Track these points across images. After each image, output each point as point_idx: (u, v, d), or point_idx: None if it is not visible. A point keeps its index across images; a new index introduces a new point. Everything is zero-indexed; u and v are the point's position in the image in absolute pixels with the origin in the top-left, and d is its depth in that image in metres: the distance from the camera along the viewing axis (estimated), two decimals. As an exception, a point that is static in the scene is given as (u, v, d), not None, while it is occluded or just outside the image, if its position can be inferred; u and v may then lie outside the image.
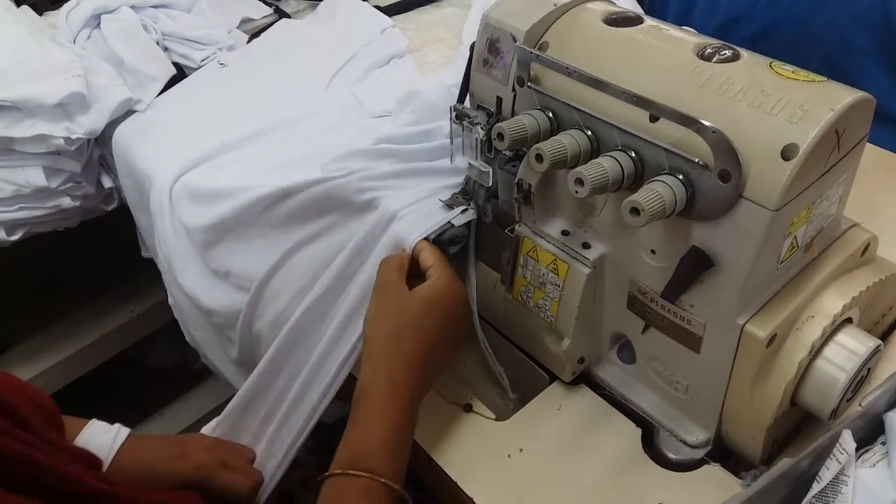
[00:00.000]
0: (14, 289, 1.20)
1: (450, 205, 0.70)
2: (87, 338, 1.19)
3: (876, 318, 0.65)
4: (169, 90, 1.01)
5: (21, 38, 1.00)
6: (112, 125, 0.99)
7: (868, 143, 0.87)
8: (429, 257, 0.64)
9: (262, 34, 1.12)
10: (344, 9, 1.12)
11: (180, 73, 1.04)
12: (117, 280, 1.27)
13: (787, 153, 0.47)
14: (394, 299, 0.61)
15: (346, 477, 0.56)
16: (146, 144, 0.92)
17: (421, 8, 1.32)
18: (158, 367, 1.52)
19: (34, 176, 0.95)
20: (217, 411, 1.46)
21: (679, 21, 1.21)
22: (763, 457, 0.58)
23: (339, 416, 1.21)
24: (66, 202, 0.99)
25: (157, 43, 1.04)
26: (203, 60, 1.05)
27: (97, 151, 1.01)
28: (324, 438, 0.90)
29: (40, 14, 1.16)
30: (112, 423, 0.68)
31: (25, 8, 1.15)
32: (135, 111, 0.99)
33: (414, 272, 0.65)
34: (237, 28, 1.15)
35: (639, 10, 0.68)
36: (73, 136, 0.93)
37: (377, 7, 1.30)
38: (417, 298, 0.61)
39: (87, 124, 0.94)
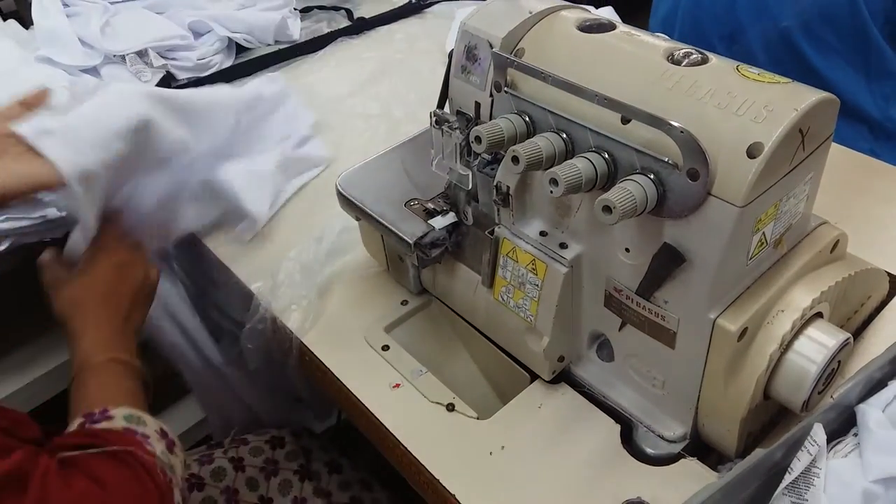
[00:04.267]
0: (-1, 300, 1.20)
1: (431, 209, 0.71)
2: (72, 349, 1.19)
3: (848, 313, 0.67)
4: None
5: (7, 50, 1.01)
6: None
7: (843, 146, 0.90)
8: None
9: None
10: (272, 96, 0.99)
11: (170, 78, 1.07)
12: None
13: (752, 151, 0.49)
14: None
15: (82, 374, 0.64)
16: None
17: (405, 19, 1.34)
18: (144, 379, 1.52)
19: (20, 186, 0.96)
20: (202, 424, 1.47)
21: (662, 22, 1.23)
22: (739, 450, 0.60)
23: (326, 427, 1.22)
24: (53, 212, 1.00)
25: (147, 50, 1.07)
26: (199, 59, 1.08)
27: (84, 162, 1.02)
28: (305, 445, 0.91)
29: (26, 28, 1.17)
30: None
31: (12, 21, 1.16)
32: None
33: None
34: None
35: (615, 18, 0.70)
36: (60, 147, 0.94)
37: (362, 18, 1.32)
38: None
39: (73, 135, 0.95)
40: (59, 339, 1.19)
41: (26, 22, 1.17)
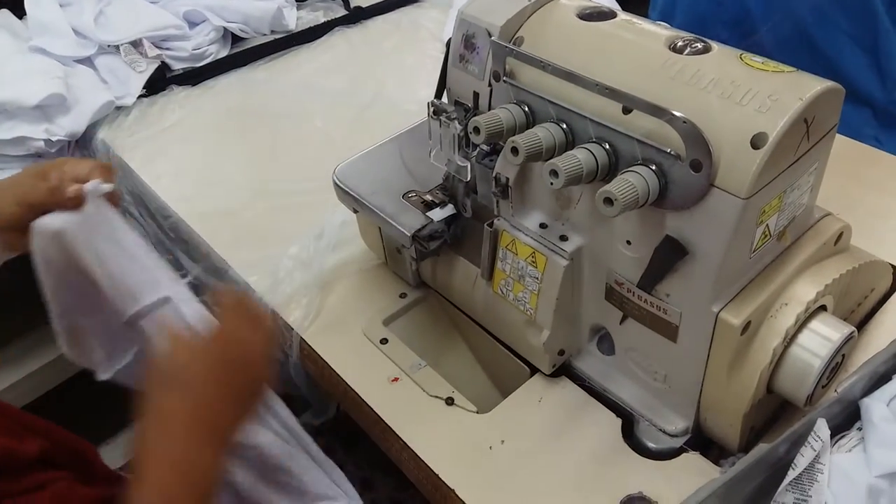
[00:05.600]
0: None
1: (430, 201, 0.70)
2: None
3: (851, 306, 0.66)
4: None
5: (1, 41, 1.00)
6: (93, 127, 0.99)
7: (846, 137, 0.89)
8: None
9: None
10: None
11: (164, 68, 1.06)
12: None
13: (756, 142, 0.48)
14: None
15: None
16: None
17: (402, 8, 1.33)
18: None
19: (14, 179, 0.95)
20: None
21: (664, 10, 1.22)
22: (741, 444, 0.59)
23: (325, 418, 1.21)
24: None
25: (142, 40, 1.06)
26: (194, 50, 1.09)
27: (78, 153, 1.01)
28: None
29: (20, 18, 1.15)
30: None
31: (5, 11, 1.15)
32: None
33: None
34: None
35: (615, 6, 0.69)
36: (54, 139, 0.93)
37: (359, 8, 1.31)
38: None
39: (67, 126, 0.94)
40: (42, 339, 1.17)
41: (19, 12, 1.15)
